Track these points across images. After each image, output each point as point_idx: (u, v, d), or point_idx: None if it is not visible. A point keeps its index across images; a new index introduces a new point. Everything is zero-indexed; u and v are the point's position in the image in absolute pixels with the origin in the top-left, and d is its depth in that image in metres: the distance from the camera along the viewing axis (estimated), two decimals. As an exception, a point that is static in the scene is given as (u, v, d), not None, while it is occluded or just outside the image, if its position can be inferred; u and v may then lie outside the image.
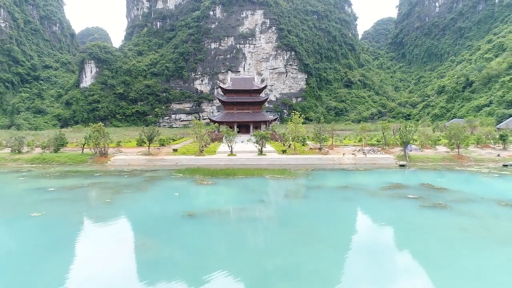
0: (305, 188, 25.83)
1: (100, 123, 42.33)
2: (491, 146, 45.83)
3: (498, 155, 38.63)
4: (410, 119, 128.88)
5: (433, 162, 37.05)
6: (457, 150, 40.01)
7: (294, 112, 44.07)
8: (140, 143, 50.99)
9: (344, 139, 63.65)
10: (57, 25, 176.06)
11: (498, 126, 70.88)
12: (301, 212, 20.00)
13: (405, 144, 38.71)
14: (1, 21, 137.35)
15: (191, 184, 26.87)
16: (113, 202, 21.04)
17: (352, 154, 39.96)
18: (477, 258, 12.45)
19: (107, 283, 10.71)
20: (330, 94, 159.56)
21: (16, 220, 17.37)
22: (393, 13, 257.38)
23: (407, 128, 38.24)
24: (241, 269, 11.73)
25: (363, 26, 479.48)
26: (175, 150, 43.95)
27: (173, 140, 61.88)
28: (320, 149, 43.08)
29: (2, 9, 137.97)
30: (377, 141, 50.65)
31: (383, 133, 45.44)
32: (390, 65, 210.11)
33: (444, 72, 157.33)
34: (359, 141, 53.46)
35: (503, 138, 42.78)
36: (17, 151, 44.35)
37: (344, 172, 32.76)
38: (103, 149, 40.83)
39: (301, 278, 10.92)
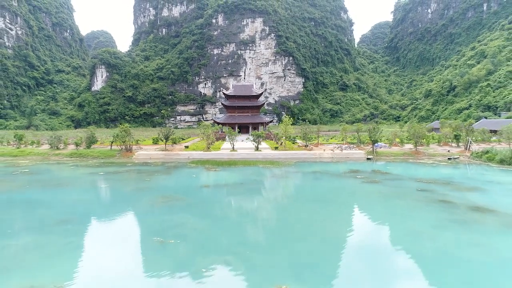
0: (287, 172, 35.00)
1: (126, 124, 51.55)
2: (450, 144, 54.85)
3: (448, 151, 47.68)
4: (399, 120, 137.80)
5: (394, 156, 46.14)
6: (419, 146, 49.18)
7: (285, 116, 53.18)
8: (156, 141, 60.22)
9: (332, 138, 72.78)
10: (68, 31, 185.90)
11: (475, 125, 79.60)
12: (280, 184, 29.22)
13: (373, 142, 47.83)
14: (18, 28, 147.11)
15: (203, 170, 36.08)
16: (150, 180, 30.22)
17: (331, 150, 49.10)
18: (381, 204, 21.70)
19: (159, 213, 19.92)
20: (326, 97, 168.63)
21: (94, 189, 26.65)
22: (390, 17, 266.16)
23: (374, 129, 47.34)
24: (237, 208, 21.01)
25: (361, 29, 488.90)
26: (186, 146, 53.23)
27: (183, 139, 71.11)
28: (306, 146, 52.26)
29: (19, 18, 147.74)
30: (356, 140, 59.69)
31: (357, 133, 54.57)
32: (384, 69, 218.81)
33: (434, 76, 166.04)
34: (342, 140, 62.52)
35: (456, 138, 51.76)
36: (55, 148, 53.63)
37: (321, 163, 41.89)
38: (128, 145, 50.11)
39: (271, 213, 20.18)
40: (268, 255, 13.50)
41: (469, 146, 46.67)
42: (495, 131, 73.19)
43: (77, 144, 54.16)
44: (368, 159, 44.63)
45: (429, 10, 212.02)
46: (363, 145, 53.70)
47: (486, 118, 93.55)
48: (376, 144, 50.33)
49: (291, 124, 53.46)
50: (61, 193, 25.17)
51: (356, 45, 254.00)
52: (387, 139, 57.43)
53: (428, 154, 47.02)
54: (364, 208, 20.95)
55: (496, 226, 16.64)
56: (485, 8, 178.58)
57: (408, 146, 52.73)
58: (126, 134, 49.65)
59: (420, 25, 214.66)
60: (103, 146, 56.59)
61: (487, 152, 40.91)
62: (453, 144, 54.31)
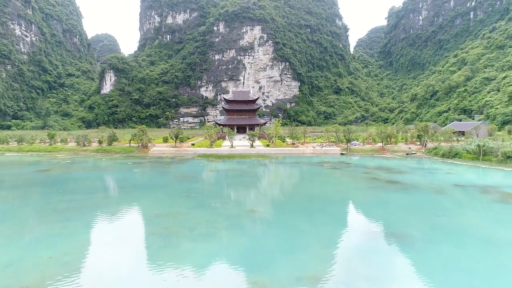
0: (273, 163, 45.14)
1: (144, 125, 61.68)
2: (415, 142, 64.84)
3: (409, 148, 57.72)
4: (387, 122, 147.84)
5: (364, 152, 56.14)
6: (388, 144, 59.28)
7: (275, 119, 63.34)
8: (166, 139, 70.34)
9: (319, 138, 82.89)
10: (77, 36, 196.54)
11: (443, 128, 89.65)
12: (265, 169, 39.35)
13: (348, 140, 57.92)
14: (33, 35, 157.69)
15: (208, 161, 46.20)
16: (169, 167, 40.33)
17: (313, 147, 59.22)
18: (330, 179, 31.83)
19: (181, 183, 30.04)
20: (321, 100, 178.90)
21: (129, 173, 36.76)
22: (385, 23, 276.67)
23: (348, 130, 57.47)
24: (233, 180, 31.20)
25: (358, 33, 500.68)
26: (193, 144, 63.39)
27: (188, 138, 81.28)
28: (293, 144, 62.37)
29: (33, 25, 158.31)
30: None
31: (336, 134, 64.74)
32: (378, 73, 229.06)
33: (423, 81, 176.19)
34: (326, 139, 72.61)
35: (419, 137, 61.81)
36: (82, 144, 63.75)
37: (303, 157, 51.94)
38: (145, 143, 60.23)
39: (255, 182, 30.36)
40: (248, 199, 23.67)
41: (425, 144, 56.76)
42: (463, 132, 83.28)
43: (100, 142, 64.32)
44: (342, 154, 54.66)
45: (420, 17, 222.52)
46: (341, 144, 63.74)
47: (461, 120, 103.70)
48: (352, 142, 60.55)
49: (285, 125, 63.55)
50: (108, 174, 35.35)
51: (352, 49, 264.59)
52: (365, 138, 67.49)
53: (392, 150, 57.05)
54: (317, 180, 31.07)
55: (393, 189, 26.69)
56: (471, 16, 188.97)
57: (379, 144, 62.73)
58: (143, 133, 59.83)
59: (411, 31, 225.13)
60: (121, 144, 66.69)
61: (435, 148, 50.98)
62: (417, 143, 64.35)
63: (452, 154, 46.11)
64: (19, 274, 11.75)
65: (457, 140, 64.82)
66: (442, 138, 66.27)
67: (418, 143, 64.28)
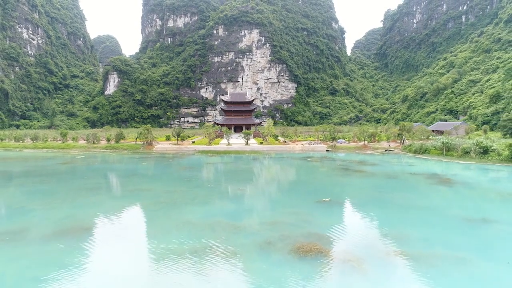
0: (264, 157, 51.13)
1: (148, 125, 67.65)
2: (396, 140, 70.78)
3: (389, 145, 63.71)
4: (380, 122, 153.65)
5: (348, 149, 62.15)
6: (371, 142, 65.28)
7: (269, 119, 69.30)
8: (168, 138, 76.37)
9: (310, 136, 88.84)
10: (81, 39, 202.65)
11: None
12: (256, 163, 45.35)
13: (333, 139, 63.92)
14: (39, 38, 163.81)
15: (206, 156, 52.20)
16: (173, 161, 46.32)
17: (302, 145, 65.22)
18: (308, 170, 37.86)
19: (184, 172, 36.09)
20: (317, 101, 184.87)
21: (138, 165, 42.78)
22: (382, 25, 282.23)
23: (334, 129, 63.48)
24: (228, 170, 37.23)
25: (356, 35, 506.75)
26: (193, 142, 69.42)
27: (189, 137, 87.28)
28: (284, 142, 68.38)
29: (39, 29, 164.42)
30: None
31: (323, 133, 70.75)
32: (373, 74, 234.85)
33: (415, 82, 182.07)
34: (316, 138, 78.59)
35: (399, 135, 67.77)
36: (92, 142, 69.73)
37: (292, 153, 57.91)
38: (149, 140, 66.24)
39: (244, 171, 36.41)
40: (237, 183, 29.70)
41: (403, 141, 62.77)
42: (441, 132, 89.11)
43: (108, 140, 70.28)
44: (327, 151, 60.64)
45: (414, 20, 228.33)
46: (328, 142, 69.73)
47: (446, 121, 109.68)
48: (338, 140, 66.58)
49: (281, 125, 69.38)
50: (120, 166, 41.36)
51: (350, 50, 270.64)
52: (351, 137, 73.47)
53: (373, 147, 63.04)
54: (298, 171, 37.07)
55: (357, 176, 32.63)
56: (463, 19, 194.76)
57: (363, 142, 68.67)
58: (148, 132, 65.87)
59: (406, 34, 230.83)
60: (127, 142, 72.68)
61: (410, 145, 56.98)
62: (398, 141, 70.34)
63: (422, 150, 52.11)
64: (77, 221, 17.74)
65: (435, 138, 70.77)
66: (423, 136, 72.27)
67: (399, 141, 70.25)
